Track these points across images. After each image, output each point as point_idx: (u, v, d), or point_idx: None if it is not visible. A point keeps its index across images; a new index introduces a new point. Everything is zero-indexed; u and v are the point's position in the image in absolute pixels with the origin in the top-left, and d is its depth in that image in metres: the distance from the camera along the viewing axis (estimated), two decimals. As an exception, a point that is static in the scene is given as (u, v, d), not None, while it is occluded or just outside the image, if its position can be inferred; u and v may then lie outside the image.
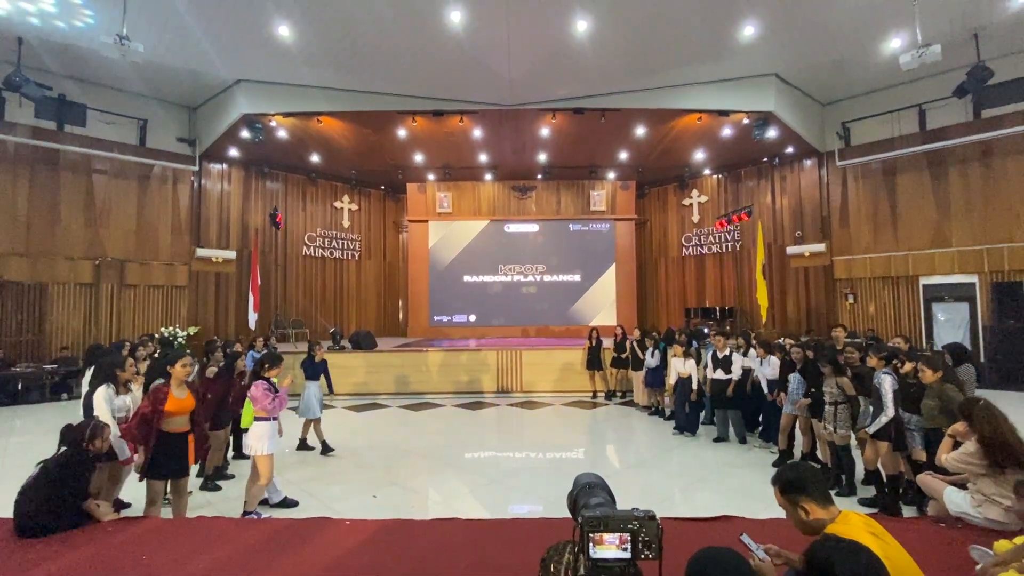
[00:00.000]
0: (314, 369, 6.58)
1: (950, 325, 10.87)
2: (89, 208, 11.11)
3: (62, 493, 3.34)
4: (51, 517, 3.28)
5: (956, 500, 3.24)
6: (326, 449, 6.24)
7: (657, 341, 8.28)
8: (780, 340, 8.61)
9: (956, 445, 3.34)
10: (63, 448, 3.49)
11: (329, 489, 4.99)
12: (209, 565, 2.91)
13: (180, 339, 11.11)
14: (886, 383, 4.27)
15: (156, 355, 6.37)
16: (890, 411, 4.21)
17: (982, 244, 10.39)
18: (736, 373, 6.53)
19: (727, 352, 6.65)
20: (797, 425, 5.68)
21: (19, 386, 9.52)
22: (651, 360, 8.21)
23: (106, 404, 3.93)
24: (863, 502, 4.45)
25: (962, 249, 10.63)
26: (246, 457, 5.72)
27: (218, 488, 5.03)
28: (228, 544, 3.18)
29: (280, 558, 2.99)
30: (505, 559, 2.96)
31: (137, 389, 4.26)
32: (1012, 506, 2.93)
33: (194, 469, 5.25)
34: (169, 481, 3.86)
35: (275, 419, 4.34)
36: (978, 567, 2.54)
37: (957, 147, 10.66)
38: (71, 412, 8.46)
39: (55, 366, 10.05)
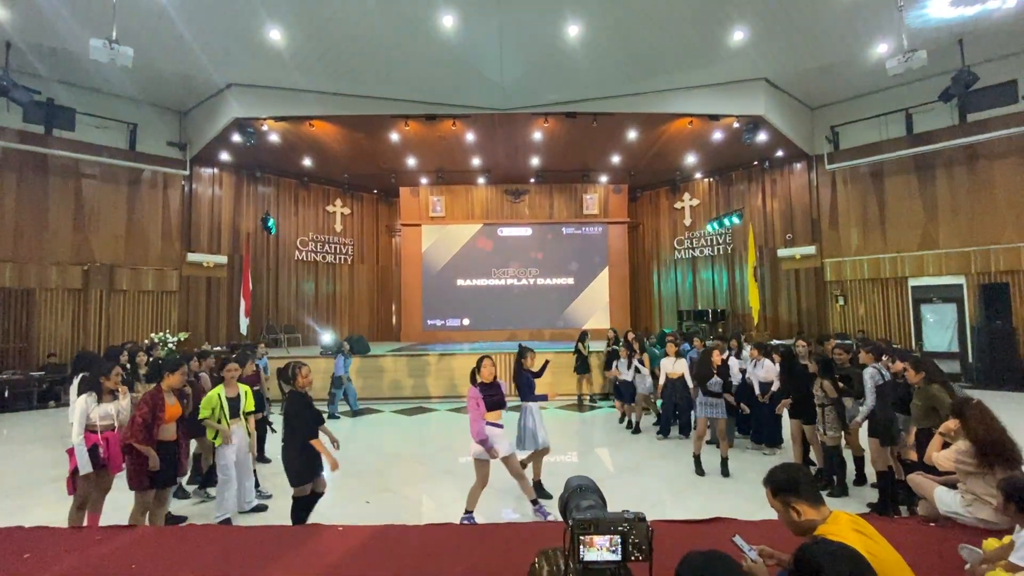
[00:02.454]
0: (528, 383, 4.96)
1: (938, 326, 11.00)
2: (78, 213, 10.99)
3: (298, 427, 3.77)
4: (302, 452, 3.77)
5: (946, 500, 3.27)
6: (540, 494, 4.61)
7: (632, 351, 7.51)
8: (772, 341, 8.68)
9: (946, 444, 3.38)
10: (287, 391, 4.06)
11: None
12: (199, 574, 2.87)
13: (170, 345, 10.98)
14: (866, 375, 4.55)
15: (161, 361, 6.25)
16: (870, 400, 4.40)
17: (969, 246, 10.53)
18: (735, 377, 6.51)
19: (724, 357, 6.65)
20: (790, 432, 5.69)
21: (5, 394, 9.39)
22: (624, 372, 7.51)
23: (80, 415, 3.85)
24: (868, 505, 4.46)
25: (950, 251, 10.76)
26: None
27: (211, 497, 4.95)
28: (218, 552, 3.14)
29: (272, 565, 2.96)
30: (499, 564, 2.94)
31: (124, 397, 4.17)
32: (998, 504, 2.96)
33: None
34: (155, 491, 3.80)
35: (500, 425, 4.25)
36: (967, 566, 2.57)
37: (944, 150, 10.81)
38: (59, 420, 8.38)
39: (42, 373, 9.91)
